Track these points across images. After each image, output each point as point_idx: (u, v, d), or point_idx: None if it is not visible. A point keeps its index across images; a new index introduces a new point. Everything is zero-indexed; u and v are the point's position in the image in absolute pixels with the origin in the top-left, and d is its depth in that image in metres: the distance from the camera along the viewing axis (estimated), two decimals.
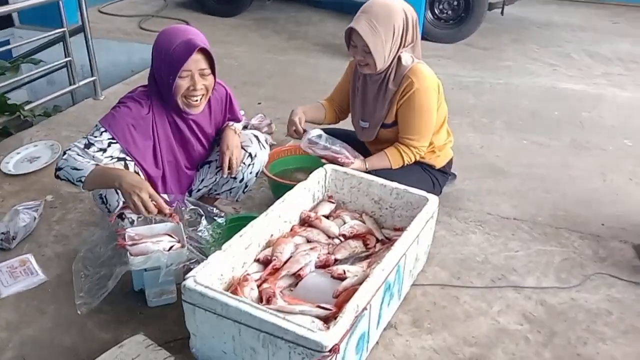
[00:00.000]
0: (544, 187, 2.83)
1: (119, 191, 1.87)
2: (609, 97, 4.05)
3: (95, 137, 1.92)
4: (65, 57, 3.77)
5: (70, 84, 3.86)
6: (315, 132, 2.35)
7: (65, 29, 3.64)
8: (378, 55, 2.19)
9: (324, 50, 4.98)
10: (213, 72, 1.99)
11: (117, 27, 5.53)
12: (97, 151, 1.91)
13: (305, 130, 2.36)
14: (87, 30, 3.70)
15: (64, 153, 1.89)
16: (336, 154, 2.32)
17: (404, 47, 2.27)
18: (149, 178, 2.03)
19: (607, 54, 5.06)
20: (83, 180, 1.85)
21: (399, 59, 2.26)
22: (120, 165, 1.92)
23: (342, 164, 2.30)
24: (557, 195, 2.76)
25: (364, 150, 2.52)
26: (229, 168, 2.16)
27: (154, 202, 1.81)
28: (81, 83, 3.80)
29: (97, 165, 1.87)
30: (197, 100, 2.00)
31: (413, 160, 2.34)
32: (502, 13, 5.42)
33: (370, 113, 2.40)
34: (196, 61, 1.91)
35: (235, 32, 5.43)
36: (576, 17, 6.33)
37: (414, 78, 2.24)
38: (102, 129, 1.93)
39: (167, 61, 1.91)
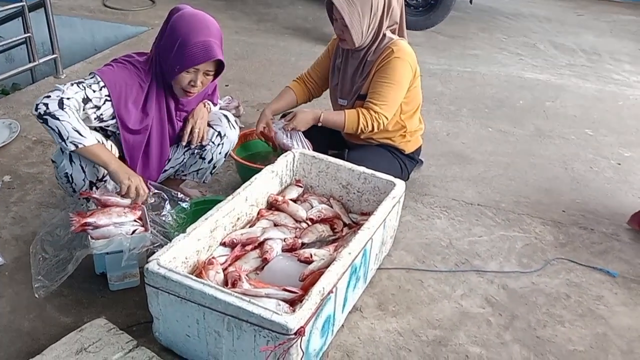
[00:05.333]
0: (507, 174, 2.89)
1: (97, 168, 1.93)
2: (572, 88, 4.15)
3: (94, 91, 1.85)
4: (25, 33, 3.63)
5: (30, 62, 3.71)
6: (279, 124, 2.35)
7: (24, 3, 3.49)
8: (355, 30, 2.19)
9: (294, 33, 4.93)
10: (216, 74, 2.01)
11: (80, 5, 5.35)
12: (92, 108, 1.85)
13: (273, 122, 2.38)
14: (48, 6, 3.57)
15: (61, 102, 1.76)
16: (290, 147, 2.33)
17: (387, 26, 2.27)
18: (128, 146, 2.01)
19: (572, 45, 5.17)
20: (79, 146, 1.79)
21: (384, 36, 2.27)
22: (100, 137, 1.92)
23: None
24: (520, 182, 2.81)
25: (339, 139, 2.52)
26: (190, 136, 2.14)
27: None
28: (41, 60, 3.67)
29: (99, 142, 1.85)
30: (192, 94, 2.02)
31: (369, 126, 2.29)
32: (470, 2, 5.47)
33: (349, 89, 2.40)
34: (207, 64, 1.93)
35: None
36: (542, 8, 6.44)
37: (395, 48, 2.26)
38: (102, 84, 1.86)
39: (181, 52, 1.88)
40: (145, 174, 2.08)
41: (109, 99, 1.88)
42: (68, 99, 1.78)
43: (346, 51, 2.39)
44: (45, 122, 1.77)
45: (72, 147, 1.79)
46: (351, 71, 2.38)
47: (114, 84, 1.88)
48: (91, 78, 1.87)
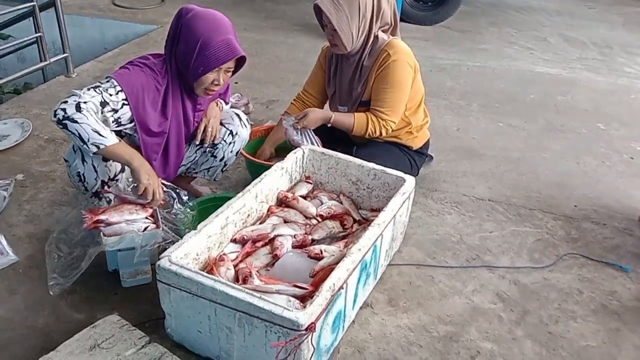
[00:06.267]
0: (518, 169, 2.87)
1: (109, 165, 1.93)
2: (584, 82, 4.11)
3: (111, 95, 1.85)
4: (36, 32, 3.66)
5: (41, 61, 3.74)
6: (289, 121, 2.34)
7: (34, 3, 3.52)
8: (344, 34, 2.19)
9: (302, 30, 4.92)
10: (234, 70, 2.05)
11: (90, 3, 5.38)
12: (110, 111, 1.85)
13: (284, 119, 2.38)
14: (59, 5, 3.60)
15: (78, 105, 1.75)
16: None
17: (379, 28, 2.26)
18: (146, 148, 2.01)
19: (583, 38, 5.12)
20: (101, 147, 1.78)
21: (376, 37, 2.26)
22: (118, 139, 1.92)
23: None
24: (532, 177, 2.80)
25: (346, 138, 2.51)
26: (203, 135, 2.15)
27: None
28: (52, 60, 3.69)
29: (120, 140, 1.84)
30: (214, 92, 2.04)
31: (377, 132, 2.30)
32: None
33: (348, 95, 2.40)
34: (229, 62, 1.95)
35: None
36: (553, 1, 6.38)
37: (390, 50, 2.25)
38: (119, 88, 1.86)
39: (204, 54, 1.89)
40: (164, 175, 2.09)
41: (126, 102, 1.88)
42: (85, 102, 1.78)
43: (340, 58, 2.38)
44: (65, 126, 1.77)
45: (94, 149, 1.79)
46: (347, 77, 2.37)
47: (131, 87, 1.88)
48: (107, 82, 1.87)
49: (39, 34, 3.63)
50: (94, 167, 1.93)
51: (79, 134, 1.76)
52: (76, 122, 1.76)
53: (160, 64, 1.98)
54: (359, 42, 2.26)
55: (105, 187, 1.98)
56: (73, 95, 1.80)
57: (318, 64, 2.54)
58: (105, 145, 1.79)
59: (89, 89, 1.83)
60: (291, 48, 4.49)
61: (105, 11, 5.20)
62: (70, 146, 1.97)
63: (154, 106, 1.97)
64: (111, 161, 1.95)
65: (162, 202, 1.94)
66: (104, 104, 1.82)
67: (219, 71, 1.95)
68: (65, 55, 3.72)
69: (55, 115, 1.77)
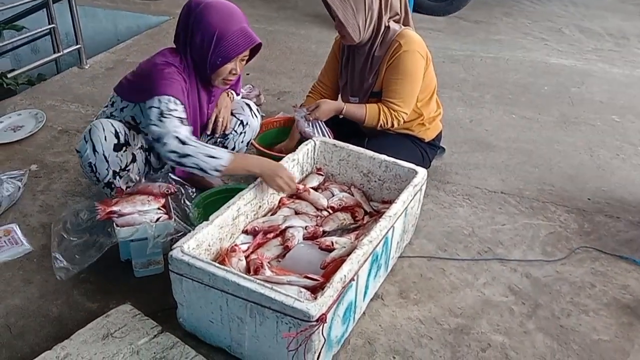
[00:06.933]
0: (531, 161, 2.84)
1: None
2: (599, 73, 4.05)
3: (176, 110, 1.85)
4: (49, 24, 3.68)
5: (55, 52, 3.77)
6: (301, 112, 2.35)
7: None
8: (350, 26, 2.19)
9: (314, 21, 4.90)
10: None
11: None
12: (185, 119, 1.88)
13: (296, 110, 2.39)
14: None
15: (177, 139, 1.78)
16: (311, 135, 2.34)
17: (389, 18, 2.25)
18: None
19: (598, 29, 5.05)
20: (222, 169, 1.81)
21: (387, 28, 2.25)
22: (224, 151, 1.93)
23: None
24: (545, 170, 2.77)
25: (357, 130, 2.51)
26: (214, 125, 2.17)
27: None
28: (66, 51, 3.72)
29: (231, 153, 1.85)
30: (232, 81, 2.06)
31: (389, 124, 2.31)
32: None
33: (359, 86, 2.39)
34: (245, 50, 1.98)
35: None
36: None
37: (402, 41, 2.24)
38: (174, 99, 1.86)
39: (221, 45, 1.91)
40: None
41: (184, 107, 1.91)
42: (180, 133, 1.80)
43: (351, 48, 2.37)
44: (183, 165, 1.80)
45: (217, 174, 1.83)
46: (359, 67, 2.36)
47: (180, 93, 1.90)
48: (161, 103, 1.84)
49: (53, 25, 3.66)
50: (105, 157, 1.94)
51: (198, 166, 1.80)
52: (190, 155, 1.79)
53: (178, 60, 1.99)
54: (368, 32, 2.24)
55: (117, 179, 1.99)
56: (162, 135, 1.79)
57: (332, 54, 2.53)
58: (224, 166, 1.81)
59: (162, 120, 1.81)
60: (303, 39, 4.47)
61: (117, 2, 5.21)
62: (82, 137, 1.99)
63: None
64: (122, 151, 1.96)
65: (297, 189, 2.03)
66: (181, 120, 1.85)
67: (236, 60, 1.96)
68: (78, 46, 3.74)
69: (170, 160, 1.81)
